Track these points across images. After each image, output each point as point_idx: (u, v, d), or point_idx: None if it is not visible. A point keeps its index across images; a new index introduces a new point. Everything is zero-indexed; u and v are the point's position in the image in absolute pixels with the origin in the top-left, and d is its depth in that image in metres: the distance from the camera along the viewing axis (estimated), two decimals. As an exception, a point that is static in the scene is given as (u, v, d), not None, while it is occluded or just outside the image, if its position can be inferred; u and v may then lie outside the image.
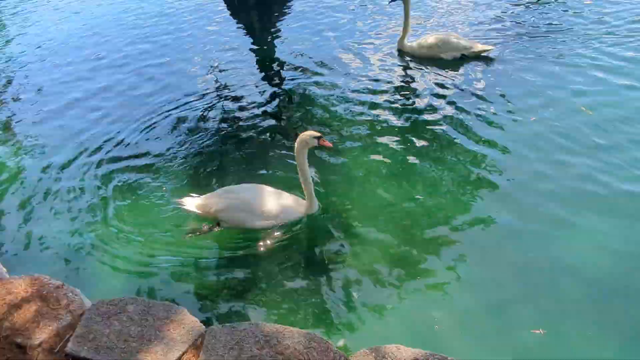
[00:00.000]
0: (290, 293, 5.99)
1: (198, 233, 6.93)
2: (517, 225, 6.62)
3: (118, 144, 9.21)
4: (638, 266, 5.88)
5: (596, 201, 6.86)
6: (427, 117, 9.23)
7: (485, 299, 5.58)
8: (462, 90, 9.97)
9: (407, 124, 9.07)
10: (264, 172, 8.03)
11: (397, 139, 8.59)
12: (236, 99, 10.45)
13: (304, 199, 7.00)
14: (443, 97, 9.84)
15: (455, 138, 8.55)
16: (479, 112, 9.17)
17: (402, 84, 10.44)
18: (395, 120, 9.16)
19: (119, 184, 8.08)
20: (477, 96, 9.70)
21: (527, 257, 6.08)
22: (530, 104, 9.21)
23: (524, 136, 8.35)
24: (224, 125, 9.64)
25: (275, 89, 10.63)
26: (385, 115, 9.36)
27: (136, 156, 8.81)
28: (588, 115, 8.66)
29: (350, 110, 9.54)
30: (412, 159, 8.05)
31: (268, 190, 7.04)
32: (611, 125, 8.33)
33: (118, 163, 8.64)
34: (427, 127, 8.90)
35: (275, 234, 6.86)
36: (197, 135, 9.31)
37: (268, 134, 9.17)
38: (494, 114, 9.09)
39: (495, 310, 5.42)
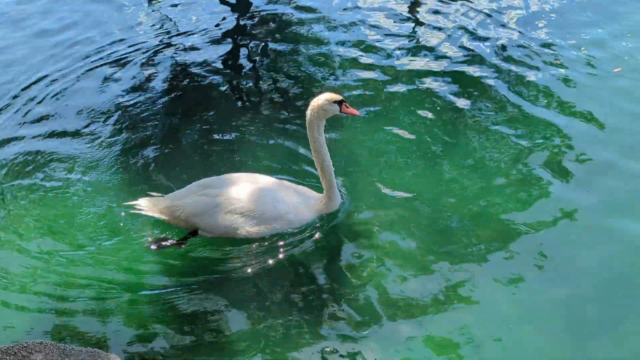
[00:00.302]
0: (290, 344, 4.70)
1: (162, 245, 5.41)
2: (596, 224, 5.50)
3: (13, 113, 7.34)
4: None
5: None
6: (461, 68, 7.67)
7: (556, 329, 4.70)
8: (504, 26, 8.45)
9: (435, 82, 7.48)
10: (249, 156, 6.47)
11: (425, 102, 7.12)
12: (193, 48, 8.48)
13: (318, 192, 5.59)
14: (480, 38, 8.25)
15: (503, 99, 7.10)
16: (535, 60, 7.69)
17: (422, 21, 8.80)
18: (418, 76, 7.57)
19: (16, 177, 6.33)
20: (532, 36, 8.17)
21: (611, 269, 5.13)
22: (612, 47, 7.78)
23: (604, 97, 6.97)
24: (182, 84, 7.79)
25: (249, 31, 8.85)
26: (405, 66, 7.75)
27: (41, 136, 6.93)
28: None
29: (356, 62, 7.86)
30: (446, 131, 6.69)
31: (267, 181, 5.57)
32: None
33: (12, 145, 6.80)
34: (461, 83, 7.39)
35: (276, 244, 5.42)
36: (138, 101, 7.47)
37: (246, 98, 7.55)
38: (558, 64, 7.59)
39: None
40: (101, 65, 8.19)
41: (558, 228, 5.46)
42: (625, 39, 7.97)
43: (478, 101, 7.16)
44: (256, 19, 9.02)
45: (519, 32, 8.37)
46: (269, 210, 5.30)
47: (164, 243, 5.35)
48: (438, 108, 7.02)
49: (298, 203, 5.43)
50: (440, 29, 8.59)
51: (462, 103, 7.12)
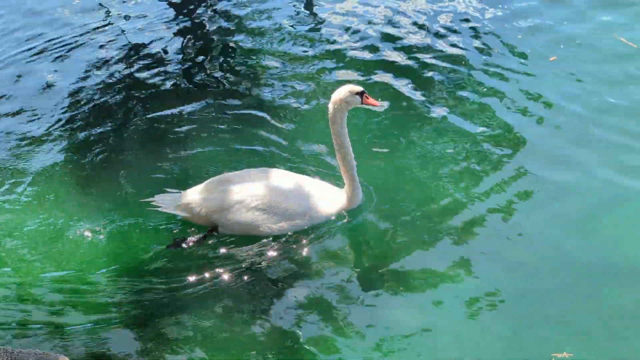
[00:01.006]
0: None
1: (185, 245, 5.18)
2: (549, 211, 5.47)
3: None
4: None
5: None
6: (405, 62, 7.66)
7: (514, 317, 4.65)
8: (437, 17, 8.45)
9: (385, 75, 7.42)
10: (258, 151, 6.28)
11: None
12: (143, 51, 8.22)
13: (341, 187, 5.40)
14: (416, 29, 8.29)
15: (444, 91, 7.08)
16: (472, 51, 7.72)
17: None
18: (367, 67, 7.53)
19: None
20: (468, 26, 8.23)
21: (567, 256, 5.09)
22: (549, 35, 7.87)
23: (544, 85, 7.00)
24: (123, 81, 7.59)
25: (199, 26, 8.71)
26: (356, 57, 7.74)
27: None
28: (633, 49, 7.41)
29: (309, 56, 7.81)
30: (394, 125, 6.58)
31: (288, 176, 5.38)
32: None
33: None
34: (407, 77, 7.33)
35: (297, 240, 5.21)
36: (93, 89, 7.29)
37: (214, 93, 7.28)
38: (496, 52, 7.69)
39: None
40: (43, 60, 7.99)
41: (514, 218, 5.39)
42: (562, 27, 8.03)
43: (423, 94, 7.02)
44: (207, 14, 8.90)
45: (456, 21, 8.36)
46: (292, 206, 5.11)
47: (184, 244, 5.13)
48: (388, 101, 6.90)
49: (320, 199, 5.23)
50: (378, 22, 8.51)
51: (412, 96, 6.97)
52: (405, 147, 6.18)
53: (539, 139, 6.22)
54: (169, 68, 7.79)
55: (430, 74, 7.29)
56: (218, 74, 7.65)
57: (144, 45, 8.28)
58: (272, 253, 5.09)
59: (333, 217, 5.29)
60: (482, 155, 6.06)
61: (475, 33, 8.06)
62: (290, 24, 8.48)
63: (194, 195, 5.20)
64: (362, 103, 5.11)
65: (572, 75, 7.10)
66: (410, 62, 7.54)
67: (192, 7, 9.04)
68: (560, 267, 4.95)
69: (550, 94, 6.82)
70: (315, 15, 8.75)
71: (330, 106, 5.10)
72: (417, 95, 6.96)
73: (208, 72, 7.74)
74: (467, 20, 8.30)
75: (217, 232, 5.19)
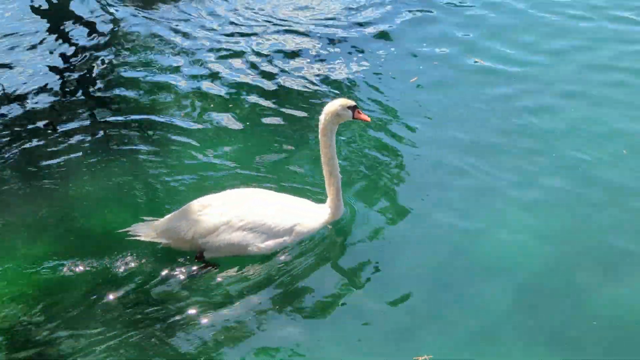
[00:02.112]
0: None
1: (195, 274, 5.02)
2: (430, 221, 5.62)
3: None
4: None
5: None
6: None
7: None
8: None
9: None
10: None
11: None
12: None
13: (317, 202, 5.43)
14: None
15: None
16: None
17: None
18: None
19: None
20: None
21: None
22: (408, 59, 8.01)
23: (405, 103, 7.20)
24: None
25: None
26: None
27: None
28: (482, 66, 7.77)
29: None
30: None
31: (269, 195, 5.32)
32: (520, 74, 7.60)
33: None
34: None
35: (285, 258, 5.15)
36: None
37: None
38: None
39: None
40: None
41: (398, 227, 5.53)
42: (423, 49, 8.19)
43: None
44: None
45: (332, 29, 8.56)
46: (278, 224, 5.01)
47: (194, 272, 4.94)
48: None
49: (303, 214, 5.17)
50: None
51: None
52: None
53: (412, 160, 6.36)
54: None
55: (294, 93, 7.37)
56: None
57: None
58: (260, 273, 4.96)
59: (318, 231, 5.21)
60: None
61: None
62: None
63: (175, 220, 4.99)
64: (353, 117, 5.11)
65: (433, 96, 7.29)
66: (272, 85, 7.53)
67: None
68: (425, 270, 5.10)
69: (409, 116, 6.92)
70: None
71: (322, 118, 5.08)
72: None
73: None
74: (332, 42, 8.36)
75: (202, 257, 4.99)
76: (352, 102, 5.10)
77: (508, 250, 5.26)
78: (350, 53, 8.14)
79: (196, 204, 5.08)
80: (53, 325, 4.57)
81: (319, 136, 5.13)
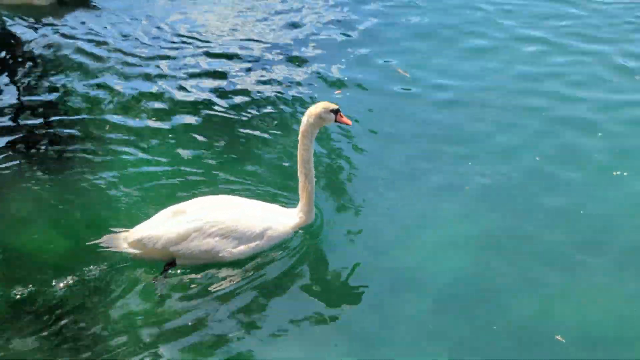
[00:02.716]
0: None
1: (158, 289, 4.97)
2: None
3: None
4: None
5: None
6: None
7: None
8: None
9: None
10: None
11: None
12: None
13: (286, 207, 5.52)
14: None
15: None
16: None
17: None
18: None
19: None
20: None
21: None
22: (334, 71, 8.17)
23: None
24: None
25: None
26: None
27: None
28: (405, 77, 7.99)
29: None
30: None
31: (239, 201, 5.36)
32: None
33: None
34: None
35: (257, 263, 5.19)
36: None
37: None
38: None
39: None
40: None
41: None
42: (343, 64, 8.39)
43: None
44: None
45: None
46: (250, 228, 5.05)
47: (157, 281, 4.92)
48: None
49: (275, 219, 5.22)
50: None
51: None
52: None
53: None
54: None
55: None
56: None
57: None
58: (233, 279, 4.99)
59: (290, 235, 5.28)
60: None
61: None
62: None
63: (146, 230, 4.97)
64: (335, 121, 5.18)
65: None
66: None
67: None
68: (351, 277, 5.17)
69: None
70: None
71: (305, 120, 5.12)
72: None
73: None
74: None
75: (174, 265, 5.01)
76: (335, 106, 5.16)
77: (425, 258, 5.31)
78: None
79: (166, 213, 5.10)
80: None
81: (299, 138, 5.16)
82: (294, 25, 9.28)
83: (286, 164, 6.32)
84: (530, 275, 5.15)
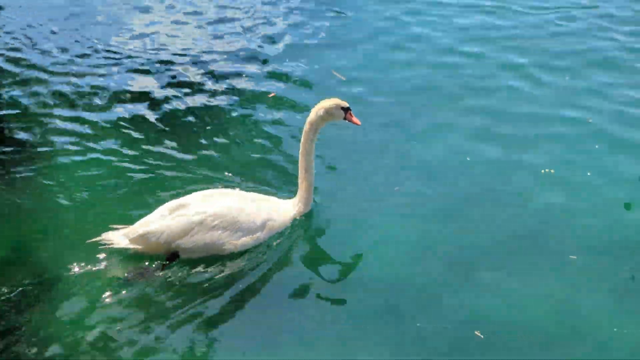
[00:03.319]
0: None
1: (140, 279, 4.90)
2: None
3: None
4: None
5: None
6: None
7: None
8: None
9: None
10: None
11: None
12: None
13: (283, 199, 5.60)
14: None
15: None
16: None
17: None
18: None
19: None
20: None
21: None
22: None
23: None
24: None
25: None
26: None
27: None
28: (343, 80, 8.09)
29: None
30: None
31: (239, 193, 5.40)
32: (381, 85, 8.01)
33: None
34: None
35: (260, 254, 5.24)
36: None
37: None
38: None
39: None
40: None
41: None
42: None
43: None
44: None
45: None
46: (252, 220, 5.10)
47: (146, 272, 4.86)
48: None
49: (274, 209, 5.30)
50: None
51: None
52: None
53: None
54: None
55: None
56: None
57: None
58: (238, 270, 5.02)
59: (289, 224, 5.36)
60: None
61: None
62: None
63: (148, 225, 4.93)
64: (344, 118, 5.22)
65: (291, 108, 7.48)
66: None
67: None
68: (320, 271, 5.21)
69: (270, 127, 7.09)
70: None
71: (314, 112, 5.18)
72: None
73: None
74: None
75: (176, 259, 4.98)
76: (345, 104, 5.21)
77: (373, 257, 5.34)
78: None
79: (167, 207, 5.07)
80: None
81: (305, 130, 5.22)
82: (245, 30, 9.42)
83: (240, 157, 6.44)
84: (463, 275, 5.14)
